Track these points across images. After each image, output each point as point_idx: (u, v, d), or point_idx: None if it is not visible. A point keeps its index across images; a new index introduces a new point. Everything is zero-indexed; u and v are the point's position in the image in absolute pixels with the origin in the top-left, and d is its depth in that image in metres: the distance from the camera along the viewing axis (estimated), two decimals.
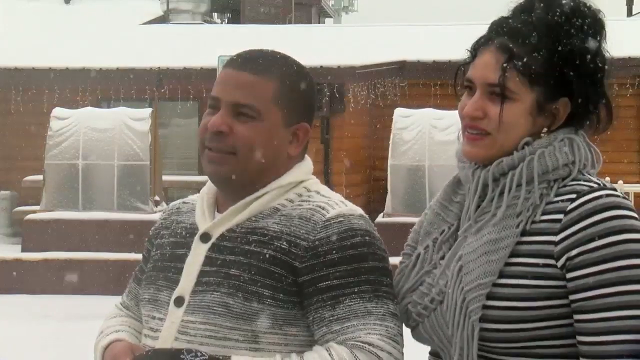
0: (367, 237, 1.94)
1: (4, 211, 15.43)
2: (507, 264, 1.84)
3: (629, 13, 23.03)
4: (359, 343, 1.85)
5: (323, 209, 1.96)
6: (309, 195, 2.01)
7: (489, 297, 1.83)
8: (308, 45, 16.50)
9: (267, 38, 15.66)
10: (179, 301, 1.95)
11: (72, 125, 13.10)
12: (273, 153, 1.99)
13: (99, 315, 2.12)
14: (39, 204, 13.20)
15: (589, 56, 1.87)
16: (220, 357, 1.86)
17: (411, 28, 17.78)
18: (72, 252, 11.63)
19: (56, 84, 15.78)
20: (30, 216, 12.60)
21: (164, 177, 14.33)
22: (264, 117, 1.96)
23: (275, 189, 2.00)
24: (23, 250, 12.07)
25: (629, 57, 15.48)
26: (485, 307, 1.83)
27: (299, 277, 1.91)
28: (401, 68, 15.31)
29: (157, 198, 13.21)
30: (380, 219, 12.56)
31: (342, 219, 1.94)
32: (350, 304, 1.89)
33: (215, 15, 26.96)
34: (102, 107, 15.43)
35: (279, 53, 2.06)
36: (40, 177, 13.46)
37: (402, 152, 13.34)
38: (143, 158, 13.03)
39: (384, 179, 14.08)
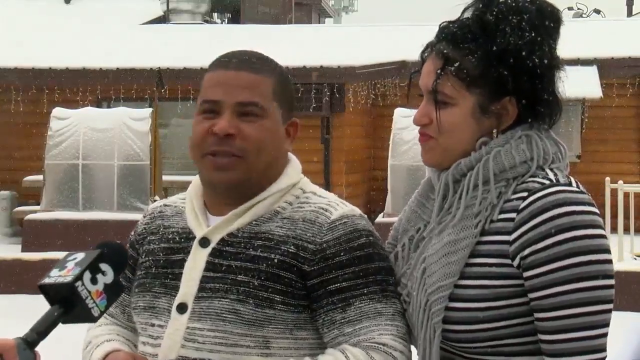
0: (370, 238, 1.95)
1: (4, 211, 15.42)
2: (468, 265, 1.84)
3: (629, 13, 23.00)
4: (374, 344, 1.86)
5: (326, 210, 1.95)
6: (306, 196, 2.01)
7: (452, 298, 1.83)
8: (308, 45, 16.49)
9: (267, 38, 15.66)
10: (181, 308, 1.92)
11: (72, 125, 13.09)
12: (277, 150, 1.99)
13: None
14: (39, 204, 13.20)
15: (523, 53, 1.86)
16: None
17: (411, 28, 17.76)
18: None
19: (56, 84, 15.78)
20: (30, 216, 12.59)
21: (164, 177, 14.32)
22: (268, 115, 1.96)
23: (275, 192, 1.98)
24: (23, 250, 12.06)
25: (629, 57, 15.48)
26: (447, 308, 1.83)
27: (308, 281, 1.90)
28: (401, 68, 15.31)
29: (157, 198, 13.19)
30: (380, 219, 12.56)
31: (346, 220, 1.94)
32: (360, 305, 1.89)
33: (215, 15, 26.94)
34: (102, 107, 15.44)
35: (262, 53, 2.05)
36: (40, 177, 13.46)
37: (402, 152, 13.34)
38: (143, 158, 13.02)
39: (384, 179, 14.08)
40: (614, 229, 11.63)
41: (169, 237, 2.03)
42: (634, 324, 3.52)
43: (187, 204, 2.05)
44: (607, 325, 1.79)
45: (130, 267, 2.09)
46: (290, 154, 2.07)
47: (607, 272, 1.79)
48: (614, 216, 11.59)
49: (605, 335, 1.78)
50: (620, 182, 11.86)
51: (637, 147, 16.29)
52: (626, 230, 11.52)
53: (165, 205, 2.13)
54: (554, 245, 1.76)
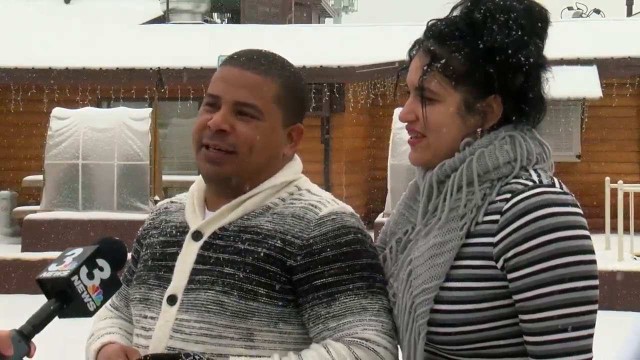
0: (359, 235, 1.96)
1: (4, 211, 15.42)
2: (454, 267, 1.83)
3: (629, 13, 22.99)
4: (356, 339, 1.87)
5: (315, 207, 1.97)
6: (300, 193, 2.02)
7: (437, 300, 1.83)
8: (308, 45, 16.50)
9: (267, 38, 15.67)
10: (171, 299, 1.95)
11: (72, 125, 13.10)
12: (271, 153, 2.00)
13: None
14: (39, 204, 13.20)
15: (510, 51, 1.85)
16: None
17: (411, 28, 17.78)
18: None
19: (56, 84, 15.79)
20: (30, 216, 12.60)
21: (164, 177, 14.34)
22: (265, 117, 1.97)
23: (268, 188, 2.01)
24: (23, 250, 12.07)
25: (629, 57, 15.48)
26: (433, 311, 1.83)
27: (293, 275, 1.92)
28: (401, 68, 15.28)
29: (157, 198, 13.19)
30: (380, 218, 12.58)
31: (334, 216, 1.95)
32: (345, 300, 1.90)
33: (215, 15, 26.95)
34: (102, 107, 15.45)
35: (276, 54, 2.07)
36: (40, 177, 13.46)
37: (402, 152, 13.33)
38: (143, 158, 13.02)
39: (384, 179, 14.08)
40: (614, 229, 11.63)
41: (168, 230, 2.06)
42: (634, 324, 3.52)
43: (188, 199, 2.08)
44: (592, 326, 1.78)
45: (134, 261, 2.13)
46: (295, 155, 2.09)
47: (591, 273, 1.78)
48: (614, 216, 11.60)
49: (590, 336, 1.78)
50: (620, 182, 11.86)
51: (637, 147, 16.29)
52: (626, 230, 11.52)
53: (171, 202, 2.17)
54: (537, 246, 1.76)
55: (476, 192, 1.85)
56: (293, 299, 1.93)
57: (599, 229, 10.81)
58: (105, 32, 18.21)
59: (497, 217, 1.81)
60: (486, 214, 1.84)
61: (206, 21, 22.21)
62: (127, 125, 13.08)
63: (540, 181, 1.83)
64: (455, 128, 1.90)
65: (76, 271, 1.67)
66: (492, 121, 1.90)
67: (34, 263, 11.12)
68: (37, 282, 1.68)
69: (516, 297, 1.79)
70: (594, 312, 1.78)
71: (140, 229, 2.17)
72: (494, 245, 1.81)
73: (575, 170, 15.11)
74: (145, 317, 2.00)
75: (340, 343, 1.87)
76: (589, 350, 1.77)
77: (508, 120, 1.90)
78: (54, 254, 11.28)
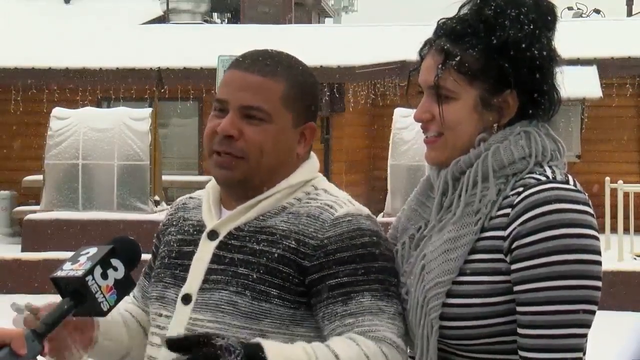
0: (375, 238, 1.94)
1: (4, 211, 15.42)
2: (467, 261, 1.84)
3: (629, 13, 23.00)
4: (382, 337, 1.85)
5: (331, 207, 1.95)
6: (316, 193, 2.00)
7: (449, 295, 1.83)
8: (308, 45, 16.49)
9: (267, 38, 15.66)
10: (186, 299, 1.95)
11: (72, 125, 13.10)
12: (283, 155, 1.98)
13: None
14: (39, 204, 13.20)
15: (523, 45, 1.87)
16: (252, 344, 1.79)
17: (411, 28, 17.77)
18: (72, 252, 11.59)
19: (56, 84, 15.79)
20: (30, 216, 12.59)
21: (164, 177, 14.33)
22: (274, 119, 1.95)
23: (284, 188, 1.99)
24: (23, 250, 12.07)
25: (629, 57, 15.49)
26: (445, 305, 1.83)
27: (307, 276, 1.90)
28: (401, 68, 15.31)
29: (157, 198, 13.21)
30: (380, 218, 12.57)
31: (350, 218, 1.94)
32: (362, 300, 1.88)
33: (215, 15, 26.96)
34: (102, 107, 15.45)
35: (284, 53, 2.05)
36: (40, 177, 13.46)
37: (402, 152, 13.35)
38: (143, 158, 13.02)
39: (384, 179, 14.08)
40: (614, 229, 11.64)
41: (185, 229, 2.06)
42: (634, 324, 3.52)
43: (204, 197, 2.07)
44: (585, 326, 1.77)
45: (154, 257, 2.13)
46: (311, 153, 2.07)
47: (591, 273, 1.77)
48: (614, 216, 11.60)
49: (582, 335, 1.77)
50: (620, 182, 11.87)
51: (637, 147, 16.29)
52: (626, 230, 11.53)
53: (190, 197, 2.16)
54: (540, 241, 1.76)
55: (491, 188, 1.85)
56: (305, 301, 1.92)
57: (599, 229, 10.79)
58: (105, 32, 18.21)
59: (508, 210, 1.82)
60: (500, 209, 1.84)
61: (206, 21, 22.22)
62: (127, 125, 13.08)
63: (554, 177, 1.84)
64: (472, 124, 1.90)
65: (90, 271, 1.68)
66: (509, 116, 1.91)
67: (34, 263, 11.12)
68: (52, 281, 1.70)
69: (515, 288, 1.79)
70: (590, 312, 1.77)
71: (160, 224, 2.17)
72: (505, 238, 1.81)
73: (575, 170, 15.10)
74: (161, 315, 2.00)
75: (368, 340, 1.84)
76: (578, 350, 1.77)
77: (524, 115, 1.92)
78: (54, 254, 11.33)
